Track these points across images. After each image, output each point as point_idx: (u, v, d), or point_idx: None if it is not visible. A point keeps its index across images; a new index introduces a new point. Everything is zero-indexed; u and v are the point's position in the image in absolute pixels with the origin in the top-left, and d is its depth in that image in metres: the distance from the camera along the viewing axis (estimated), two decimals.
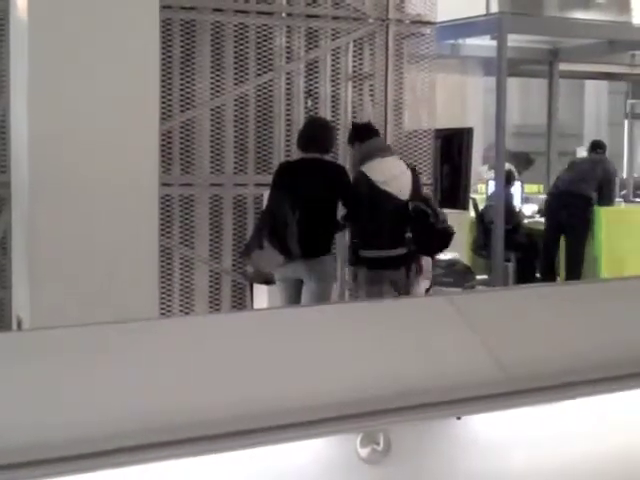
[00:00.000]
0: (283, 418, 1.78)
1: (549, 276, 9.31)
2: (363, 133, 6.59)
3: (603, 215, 9.23)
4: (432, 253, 6.85)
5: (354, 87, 7.67)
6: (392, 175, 6.32)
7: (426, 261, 6.70)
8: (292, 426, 1.77)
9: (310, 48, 7.47)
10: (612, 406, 2.16)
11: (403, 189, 6.31)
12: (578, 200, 9.16)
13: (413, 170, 6.61)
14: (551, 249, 9.37)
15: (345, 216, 6.40)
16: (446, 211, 6.94)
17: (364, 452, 1.89)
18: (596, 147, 9.84)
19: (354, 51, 7.62)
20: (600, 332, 2.25)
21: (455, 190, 8.04)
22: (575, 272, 9.08)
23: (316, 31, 7.46)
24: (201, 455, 1.70)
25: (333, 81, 7.55)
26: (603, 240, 9.18)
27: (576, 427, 2.14)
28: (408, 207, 6.31)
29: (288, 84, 7.42)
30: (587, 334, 2.23)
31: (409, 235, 6.33)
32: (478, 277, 9.12)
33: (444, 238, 6.53)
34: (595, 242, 9.21)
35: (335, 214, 6.33)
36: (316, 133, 6.50)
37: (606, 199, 9.40)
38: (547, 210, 9.54)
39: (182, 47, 7.07)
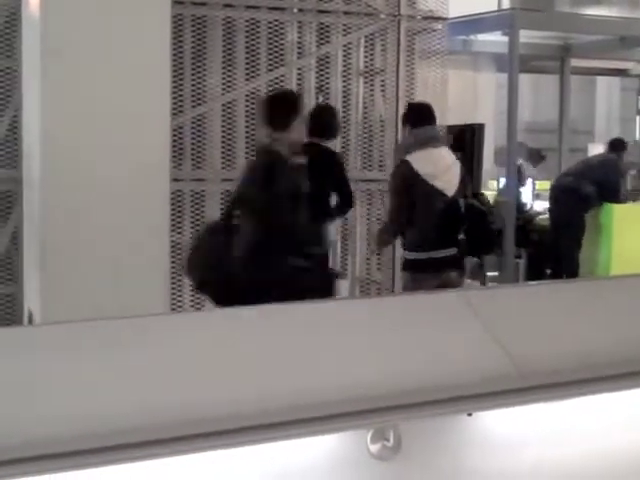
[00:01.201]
0: (293, 414, 1.77)
1: (558, 272, 9.25)
2: (417, 117, 6.04)
3: (614, 213, 9.18)
4: (482, 254, 6.39)
5: (365, 83, 7.66)
6: (441, 168, 5.79)
7: None
8: (302, 422, 1.77)
9: (321, 43, 7.46)
10: (625, 403, 2.15)
11: (450, 184, 5.79)
12: (571, 195, 9.03)
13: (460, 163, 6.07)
14: (554, 245, 9.29)
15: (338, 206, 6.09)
16: None
17: (374, 448, 1.88)
18: (614, 146, 9.71)
19: (365, 47, 7.61)
20: (612, 329, 2.24)
21: None
22: (567, 269, 8.97)
23: (327, 26, 7.45)
24: (211, 451, 1.70)
25: (344, 77, 7.54)
26: (614, 238, 9.14)
27: (588, 424, 2.13)
28: (457, 205, 5.81)
29: (299, 79, 7.41)
30: (599, 331, 2.22)
31: (461, 236, 5.79)
32: (489, 274, 9.08)
33: (494, 238, 6.12)
34: (605, 240, 9.15)
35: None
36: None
37: (608, 197, 9.26)
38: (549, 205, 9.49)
39: (193, 42, 7.06)
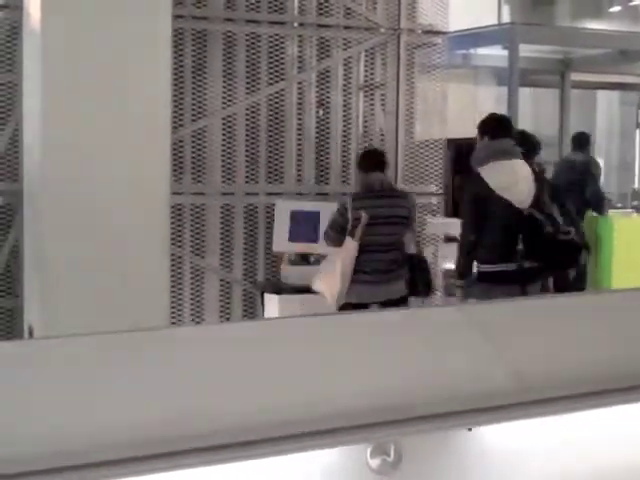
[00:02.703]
0: (293, 428, 1.77)
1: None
2: (500, 129, 5.97)
3: (615, 226, 9.18)
4: (556, 268, 6.03)
5: (366, 97, 7.67)
6: (512, 181, 5.73)
7: None
8: (302, 436, 1.76)
9: (322, 58, 7.48)
10: (627, 417, 2.15)
11: (523, 197, 5.73)
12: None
13: (537, 174, 5.96)
14: None
15: None
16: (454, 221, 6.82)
17: (375, 463, 1.88)
18: (580, 143, 9.19)
19: (366, 61, 7.64)
20: (613, 343, 2.24)
21: None
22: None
23: (328, 41, 7.48)
24: (209, 465, 1.69)
25: (345, 91, 7.56)
26: (614, 251, 9.13)
27: (589, 439, 2.13)
28: (532, 217, 5.72)
29: (300, 93, 7.43)
30: (602, 344, 2.21)
31: (520, 247, 5.69)
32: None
33: (567, 251, 5.84)
34: (605, 253, 9.14)
35: None
36: None
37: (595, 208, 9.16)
38: None
39: (194, 56, 7.09)
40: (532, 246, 5.66)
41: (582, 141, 9.25)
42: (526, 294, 5.58)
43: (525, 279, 5.64)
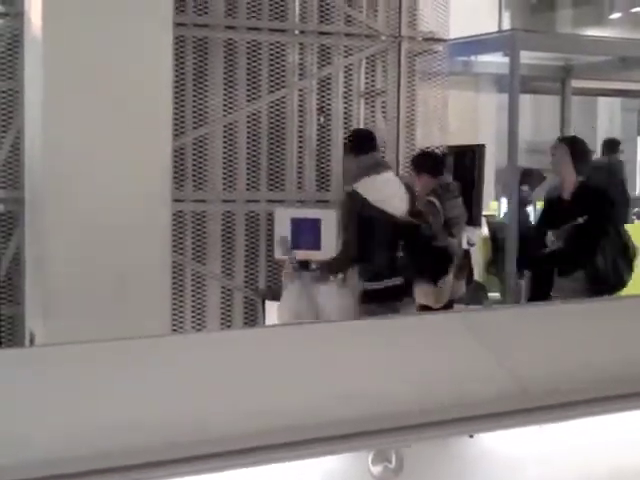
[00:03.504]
0: (294, 435, 1.77)
1: None
2: (366, 144, 6.08)
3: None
4: (427, 276, 5.92)
5: (366, 104, 7.68)
6: (389, 193, 5.79)
7: None
8: (302, 443, 1.76)
9: (323, 65, 7.49)
10: (630, 424, 2.14)
11: (403, 206, 5.79)
12: None
13: (408, 186, 6.04)
14: None
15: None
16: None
17: (376, 470, 1.88)
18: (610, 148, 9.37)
19: (366, 68, 7.64)
20: (616, 348, 2.24)
21: (468, 207, 8.02)
22: None
23: (329, 48, 7.48)
24: (210, 473, 1.69)
25: (345, 98, 7.56)
26: None
27: (592, 445, 2.12)
28: (412, 228, 5.76)
29: (301, 101, 7.44)
30: (603, 350, 2.21)
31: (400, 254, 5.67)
32: (492, 294, 9.06)
33: (440, 259, 5.85)
34: None
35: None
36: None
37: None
38: None
39: (195, 64, 7.09)
40: (412, 254, 5.65)
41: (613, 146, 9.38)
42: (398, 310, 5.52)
43: (396, 295, 5.60)
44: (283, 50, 7.34)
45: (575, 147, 5.92)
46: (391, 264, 5.68)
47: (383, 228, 5.65)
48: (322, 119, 7.50)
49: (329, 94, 7.52)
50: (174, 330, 6.53)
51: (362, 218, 5.69)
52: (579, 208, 5.59)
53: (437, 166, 6.53)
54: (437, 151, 7.18)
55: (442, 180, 6.54)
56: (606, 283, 5.51)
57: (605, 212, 5.67)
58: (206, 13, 7.10)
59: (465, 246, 6.65)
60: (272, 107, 7.32)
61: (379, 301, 5.57)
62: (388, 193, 5.78)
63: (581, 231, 5.52)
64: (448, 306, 6.11)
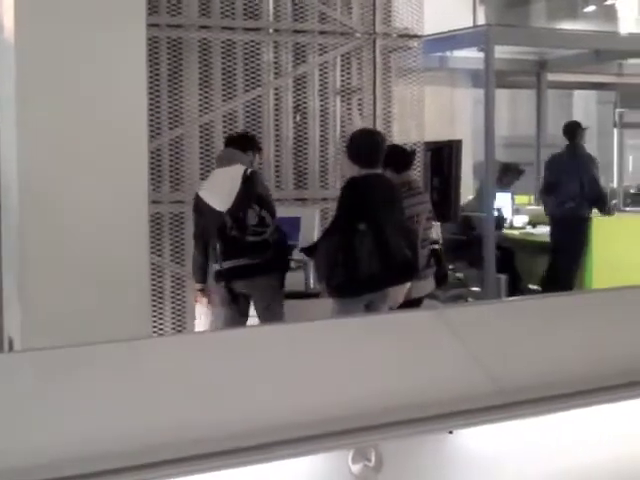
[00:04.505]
0: (274, 435, 1.77)
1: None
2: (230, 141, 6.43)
3: (594, 225, 9.20)
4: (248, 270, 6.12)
5: (343, 101, 7.68)
6: (211, 185, 6.05)
7: None
8: (283, 443, 1.76)
9: (298, 63, 7.48)
10: (605, 418, 2.15)
11: (222, 200, 5.93)
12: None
13: (252, 174, 6.01)
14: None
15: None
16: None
17: (356, 469, 1.88)
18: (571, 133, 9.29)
19: (342, 65, 7.64)
20: (592, 344, 2.25)
21: (445, 203, 8.04)
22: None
23: (304, 46, 7.48)
24: (192, 475, 1.69)
25: (321, 96, 7.56)
26: (594, 250, 9.16)
27: (569, 440, 2.13)
28: (237, 217, 5.93)
29: (277, 99, 7.43)
30: (578, 346, 2.22)
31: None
32: (473, 289, 9.09)
33: (256, 252, 5.97)
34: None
35: None
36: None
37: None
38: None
39: (169, 65, 7.07)
40: (223, 247, 5.94)
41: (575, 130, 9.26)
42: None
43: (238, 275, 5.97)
44: (258, 49, 7.33)
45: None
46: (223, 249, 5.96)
47: (206, 219, 5.99)
48: (298, 117, 7.50)
49: (305, 92, 7.51)
50: (154, 332, 6.51)
51: (197, 211, 6.11)
52: None
53: (401, 162, 6.51)
54: (406, 147, 7.17)
55: (405, 177, 6.48)
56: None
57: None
58: (180, 13, 7.08)
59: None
60: (248, 106, 7.31)
61: (229, 279, 5.98)
62: (210, 185, 6.05)
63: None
64: (416, 304, 6.10)
